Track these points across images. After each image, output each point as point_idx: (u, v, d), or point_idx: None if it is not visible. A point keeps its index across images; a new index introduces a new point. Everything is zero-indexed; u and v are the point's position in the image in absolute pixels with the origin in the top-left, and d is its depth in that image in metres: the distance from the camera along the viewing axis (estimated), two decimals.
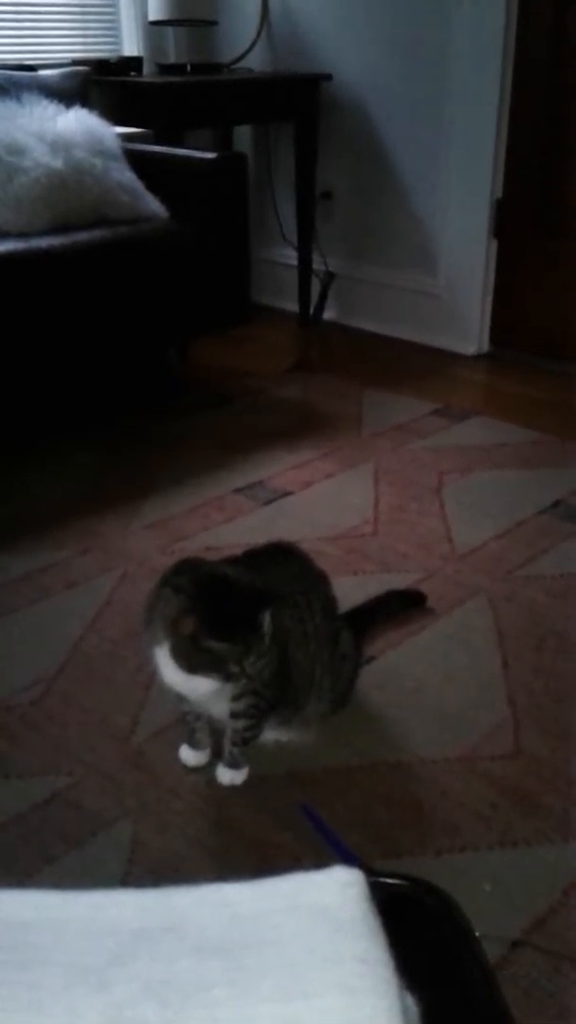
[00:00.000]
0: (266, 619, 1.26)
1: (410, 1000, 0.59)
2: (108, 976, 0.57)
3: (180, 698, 1.38)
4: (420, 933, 0.69)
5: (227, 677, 1.25)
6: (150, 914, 0.61)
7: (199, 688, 1.29)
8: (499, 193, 3.12)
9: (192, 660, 1.25)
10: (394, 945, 0.62)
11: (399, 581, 1.92)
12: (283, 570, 1.44)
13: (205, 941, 0.59)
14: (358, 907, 0.61)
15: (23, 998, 0.56)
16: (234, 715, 1.37)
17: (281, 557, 1.48)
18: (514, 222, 3.13)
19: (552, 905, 1.23)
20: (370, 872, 0.70)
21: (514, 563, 2.01)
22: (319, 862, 1.27)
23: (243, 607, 1.26)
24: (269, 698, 1.37)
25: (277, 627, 1.31)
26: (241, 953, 0.58)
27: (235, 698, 1.34)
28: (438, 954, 0.68)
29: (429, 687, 1.64)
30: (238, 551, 1.53)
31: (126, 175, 2.70)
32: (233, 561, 1.43)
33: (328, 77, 3.30)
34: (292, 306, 3.63)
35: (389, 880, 0.72)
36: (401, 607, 1.82)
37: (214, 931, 0.60)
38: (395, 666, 1.69)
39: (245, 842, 1.33)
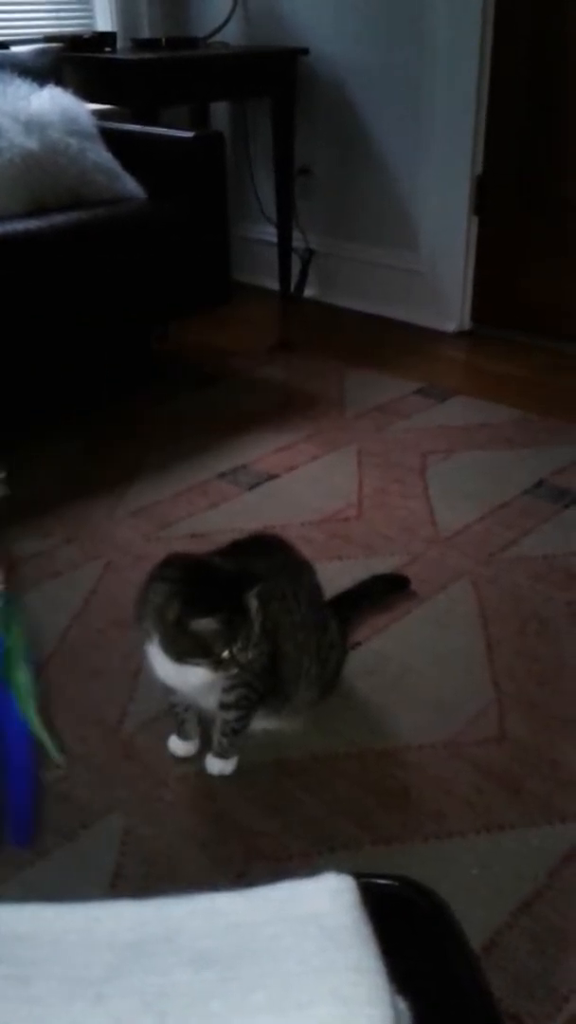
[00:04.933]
0: (252, 600, 1.26)
1: (402, 1005, 0.60)
2: (106, 990, 0.58)
3: (169, 689, 1.39)
4: (410, 934, 0.71)
5: (217, 664, 1.25)
6: (146, 926, 0.62)
7: (192, 680, 1.30)
8: (479, 169, 3.10)
9: (180, 646, 1.25)
10: (385, 947, 0.63)
11: (384, 565, 1.93)
12: (268, 561, 1.44)
13: (200, 952, 0.60)
14: (349, 915, 0.62)
15: (24, 1013, 0.57)
16: (224, 706, 1.38)
17: (266, 548, 1.48)
18: (495, 198, 3.12)
19: (538, 888, 1.25)
20: (360, 874, 0.71)
21: (497, 545, 2.02)
22: (306, 849, 1.30)
23: (225, 586, 1.26)
24: (260, 689, 1.38)
25: (266, 619, 1.32)
26: (235, 964, 0.59)
27: (226, 690, 1.35)
28: (428, 955, 0.69)
29: (414, 672, 1.66)
30: (224, 537, 1.54)
31: (102, 155, 2.67)
32: (218, 553, 1.43)
33: (305, 51, 3.26)
34: (272, 284, 3.61)
35: (379, 881, 0.73)
36: (386, 592, 1.82)
37: (208, 941, 0.61)
38: (381, 652, 1.71)
39: (235, 832, 1.34)
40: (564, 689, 1.62)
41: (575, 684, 1.63)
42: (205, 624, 1.22)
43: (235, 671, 1.27)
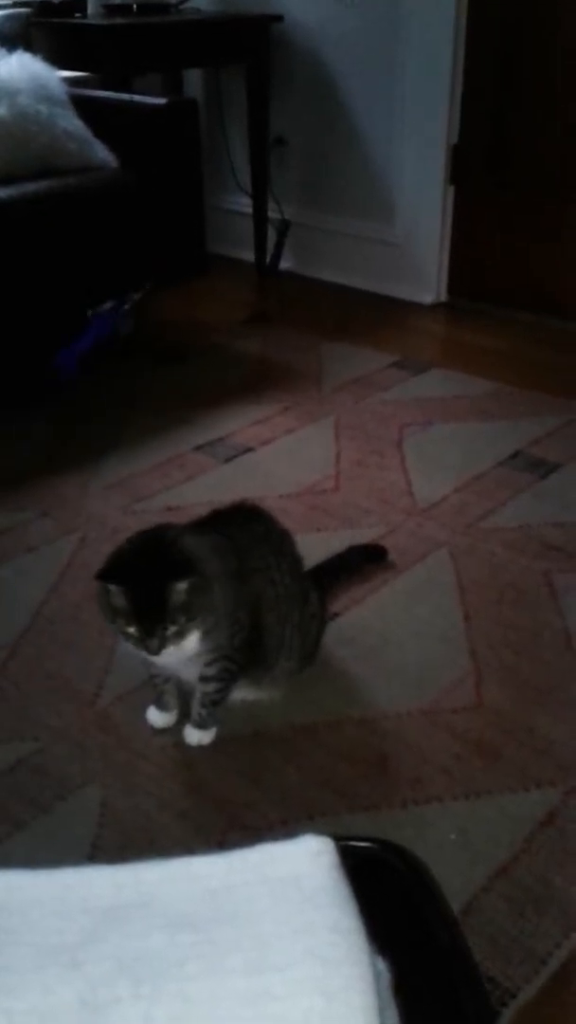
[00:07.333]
0: (177, 588, 1.21)
1: (381, 964, 0.60)
2: (81, 955, 0.57)
3: (147, 661, 1.38)
4: (389, 895, 0.70)
5: (126, 636, 1.23)
6: (121, 891, 0.61)
7: (166, 659, 1.28)
8: (455, 139, 3.07)
9: (104, 609, 1.25)
10: (364, 908, 0.63)
11: (362, 537, 1.92)
12: (249, 531, 1.44)
13: (176, 916, 0.59)
14: (328, 876, 0.62)
15: None
16: (204, 679, 1.37)
17: (247, 518, 1.47)
18: (470, 168, 3.10)
19: (515, 853, 1.26)
20: (339, 837, 0.71)
21: (474, 516, 2.02)
22: (285, 818, 1.30)
23: (149, 564, 1.23)
24: (240, 661, 1.38)
25: (249, 592, 1.30)
26: (211, 927, 0.58)
27: (207, 663, 1.34)
28: (407, 916, 0.69)
29: (392, 642, 1.66)
30: (200, 510, 1.52)
31: (73, 122, 2.62)
32: (199, 523, 1.42)
33: (279, 18, 3.21)
34: (248, 255, 3.57)
35: (358, 843, 0.73)
36: (363, 562, 1.82)
37: (184, 906, 0.60)
38: (359, 622, 1.70)
39: (214, 802, 1.34)
40: (540, 658, 1.62)
41: (551, 653, 1.63)
42: (114, 594, 1.21)
43: (171, 649, 1.24)
